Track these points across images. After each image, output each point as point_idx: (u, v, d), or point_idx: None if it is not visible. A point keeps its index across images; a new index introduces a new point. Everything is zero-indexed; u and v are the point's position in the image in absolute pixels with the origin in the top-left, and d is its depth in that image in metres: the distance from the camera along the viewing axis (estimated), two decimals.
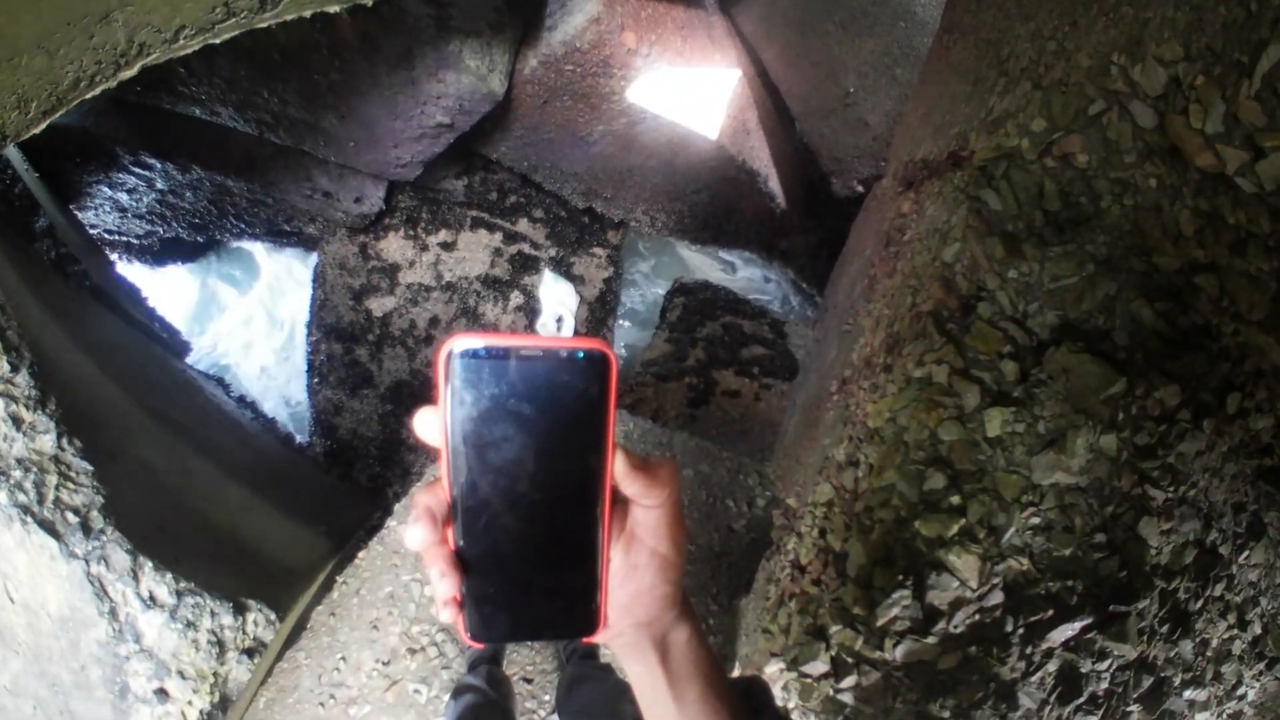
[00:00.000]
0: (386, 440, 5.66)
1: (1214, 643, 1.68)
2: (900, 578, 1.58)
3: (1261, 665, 1.72)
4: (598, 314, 5.81)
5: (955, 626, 1.56)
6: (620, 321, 6.21)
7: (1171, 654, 1.64)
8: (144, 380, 3.86)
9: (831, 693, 1.65)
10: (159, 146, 4.92)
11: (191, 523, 3.11)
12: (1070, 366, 1.49)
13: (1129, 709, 1.62)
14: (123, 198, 5.49)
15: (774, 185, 4.98)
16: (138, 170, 5.20)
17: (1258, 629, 1.71)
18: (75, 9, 2.02)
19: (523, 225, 5.77)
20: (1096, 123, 1.38)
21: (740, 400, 5.35)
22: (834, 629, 1.69)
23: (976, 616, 1.54)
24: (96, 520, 2.48)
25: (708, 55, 4.68)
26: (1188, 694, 1.67)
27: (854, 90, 4.80)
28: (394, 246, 5.74)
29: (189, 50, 2.38)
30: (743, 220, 5.33)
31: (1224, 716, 1.76)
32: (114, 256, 6.01)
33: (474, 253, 5.73)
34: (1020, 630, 1.54)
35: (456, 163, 5.52)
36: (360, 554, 3.19)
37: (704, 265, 6.31)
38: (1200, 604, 1.63)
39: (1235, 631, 1.69)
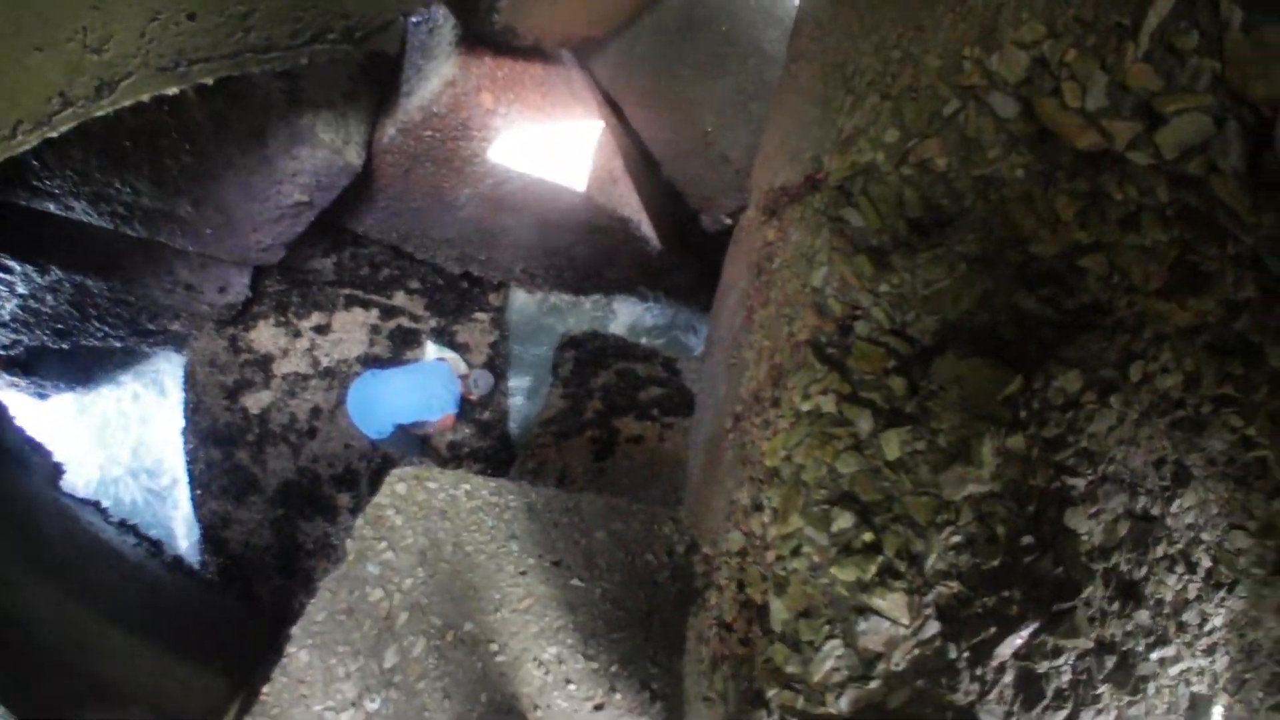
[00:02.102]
0: (283, 548, 5.25)
1: (1169, 598, 1.63)
2: (827, 627, 1.45)
3: (1222, 592, 1.68)
4: None
5: (896, 665, 1.44)
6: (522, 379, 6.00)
7: (1129, 627, 1.58)
8: (21, 519, 3.54)
9: None
10: (16, 247, 4.59)
11: (84, 686, 2.77)
12: (961, 373, 1.41)
13: (1098, 691, 1.56)
14: None
15: (647, 229, 4.96)
16: None
17: (1207, 563, 1.66)
18: None
19: (399, 298, 5.53)
20: (953, 122, 1.32)
21: (645, 444, 5.26)
22: (771, 692, 1.54)
23: (916, 651, 1.42)
24: None
25: (569, 109, 4.65)
26: (1155, 655, 1.62)
27: (712, 129, 4.87)
28: (265, 336, 5.40)
29: (27, 146, 2.30)
30: (621, 266, 5.29)
31: (1198, 653, 1.71)
32: None
33: (350, 333, 5.44)
34: (966, 654, 1.43)
35: (323, 240, 5.27)
36: (265, 689, 2.84)
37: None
38: (1145, 570, 1.58)
39: (1188, 578, 1.64)
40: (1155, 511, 1.51)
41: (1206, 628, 1.64)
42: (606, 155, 4.79)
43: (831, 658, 1.44)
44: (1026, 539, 1.41)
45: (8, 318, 5.21)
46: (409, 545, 3.08)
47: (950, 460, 1.40)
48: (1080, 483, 1.42)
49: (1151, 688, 1.63)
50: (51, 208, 4.12)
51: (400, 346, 5.45)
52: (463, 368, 5.35)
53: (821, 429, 1.49)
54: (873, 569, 1.40)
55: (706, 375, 3.03)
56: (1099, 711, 1.56)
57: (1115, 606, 1.50)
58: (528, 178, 4.54)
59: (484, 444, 5.51)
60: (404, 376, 4.74)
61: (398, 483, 3.27)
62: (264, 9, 2.60)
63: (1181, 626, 1.62)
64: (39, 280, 4.90)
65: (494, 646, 2.88)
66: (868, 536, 1.42)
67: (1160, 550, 1.53)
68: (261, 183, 4.24)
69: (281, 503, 5.26)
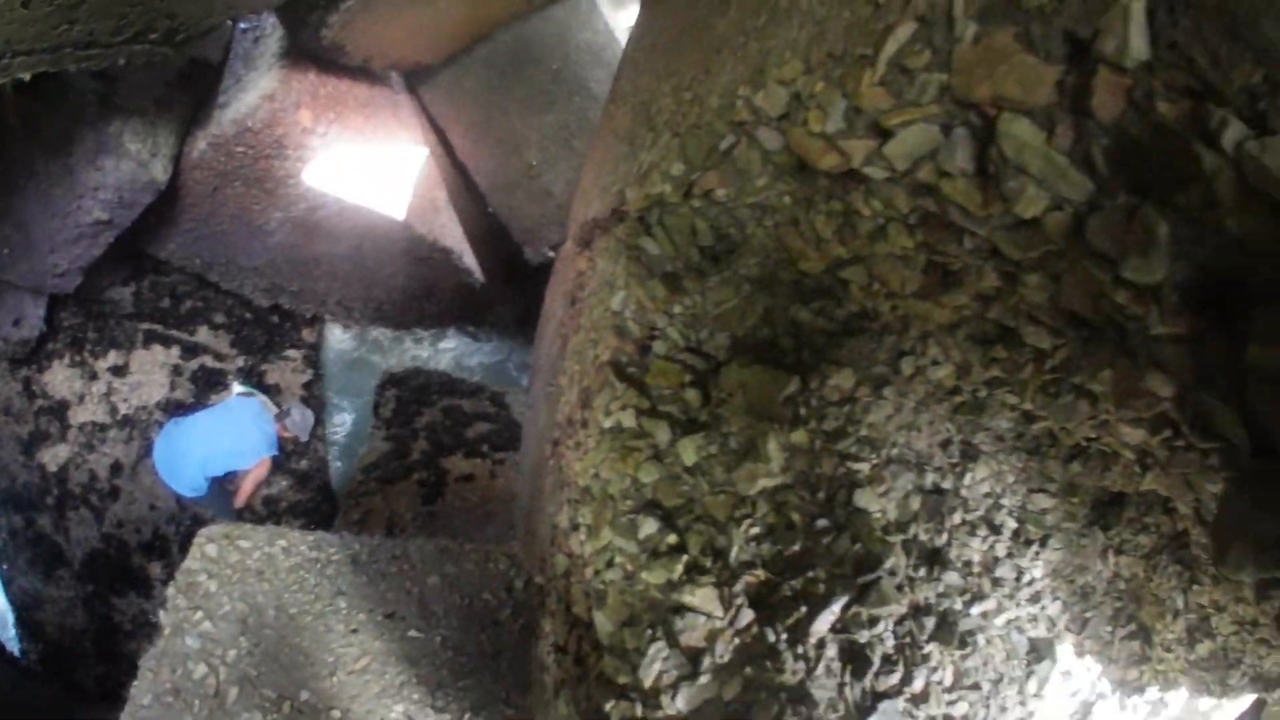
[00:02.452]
0: (100, 629, 4.80)
1: (976, 559, 1.83)
2: (649, 632, 1.54)
3: (1034, 548, 1.90)
4: None
5: (721, 657, 1.55)
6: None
7: (940, 589, 1.77)
8: None
9: None
10: None
11: None
12: (745, 380, 1.58)
13: (926, 651, 1.73)
14: None
15: (469, 260, 4.98)
16: None
17: (1013, 524, 1.89)
18: None
19: (203, 334, 5.19)
20: (728, 156, 1.48)
21: (476, 483, 5.19)
22: (609, 705, 1.61)
23: (737, 640, 1.54)
24: None
25: (392, 134, 4.62)
26: (975, 610, 1.81)
27: (537, 163, 5.02)
28: (60, 378, 4.94)
29: None
30: (443, 299, 5.26)
31: (1023, 603, 1.92)
32: None
33: (150, 374, 5.05)
34: (784, 635, 1.56)
35: (122, 266, 4.92)
36: None
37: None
38: (945, 537, 1.79)
39: (993, 539, 1.86)
40: (947, 485, 1.72)
41: (1025, 579, 1.87)
42: (430, 184, 4.78)
43: (658, 660, 1.53)
44: (822, 522, 1.58)
45: None
46: (227, 613, 2.87)
47: (741, 459, 1.56)
48: (865, 466, 1.62)
49: (981, 639, 1.83)
50: None
51: (204, 389, 5.10)
52: (273, 412, 5.08)
53: (623, 443, 1.60)
54: (679, 568, 1.51)
55: (530, 405, 3.10)
56: (933, 670, 1.74)
57: (922, 572, 1.69)
58: (344, 203, 4.44)
59: (303, 497, 5.25)
60: (210, 418, 4.36)
61: (207, 544, 3.06)
62: (92, 1, 2.57)
63: (996, 582, 1.83)
64: None
65: (336, 713, 2.74)
66: (672, 539, 1.54)
67: (958, 518, 1.75)
68: (63, 196, 3.96)
69: (90, 577, 4.80)
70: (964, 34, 1.05)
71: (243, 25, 4.31)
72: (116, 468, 4.89)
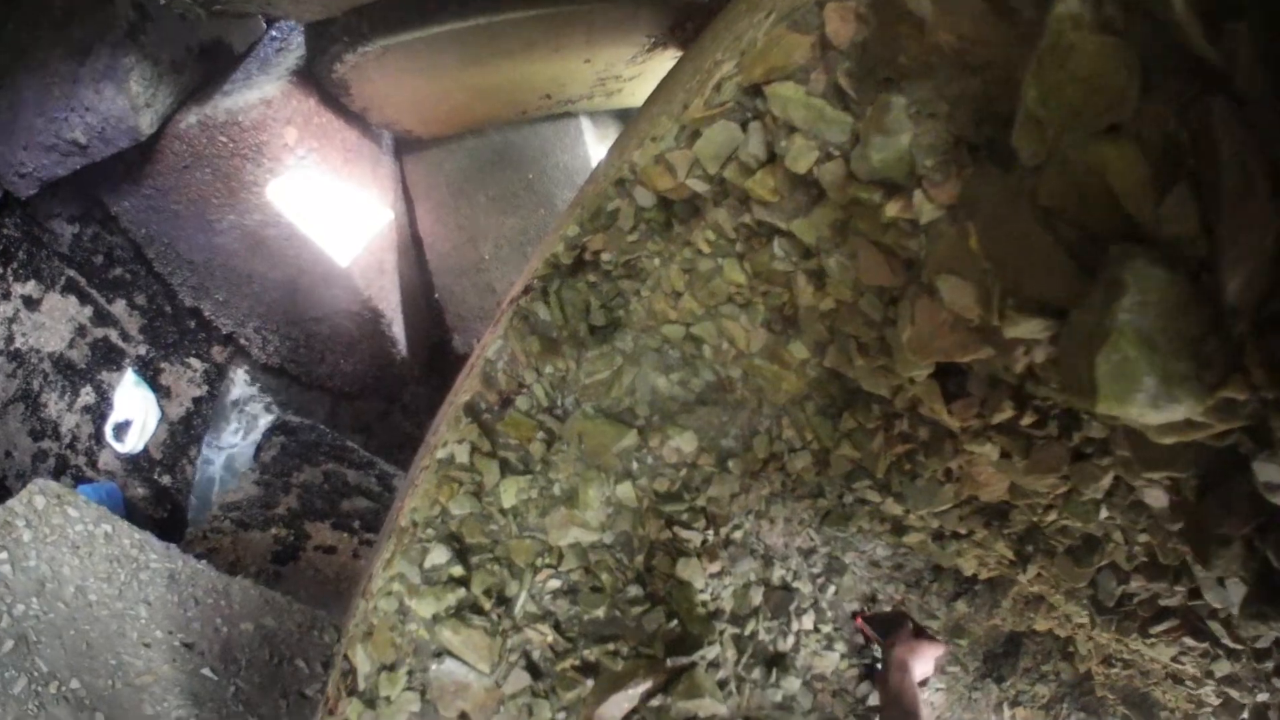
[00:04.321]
0: None
1: (831, 675, 1.64)
2: (406, 679, 1.34)
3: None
4: (179, 438, 5.00)
5: None
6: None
7: (778, 697, 1.55)
8: None
9: None
10: None
11: None
12: (586, 430, 1.48)
13: None
14: None
15: (397, 331, 4.95)
16: None
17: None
18: None
19: (119, 307, 4.95)
20: (612, 216, 1.48)
21: (336, 557, 4.83)
22: None
23: (501, 711, 1.33)
24: None
25: (365, 186, 4.65)
26: None
27: (489, 257, 5.13)
28: None
29: None
30: (360, 360, 5.15)
31: None
32: None
33: (56, 321, 4.81)
34: (560, 714, 1.35)
35: (75, 203, 4.79)
36: None
37: None
38: (793, 640, 1.60)
39: (858, 663, 1.69)
40: (800, 587, 1.56)
41: None
42: (383, 246, 4.77)
43: (405, 713, 1.32)
44: (634, 590, 1.41)
45: None
46: (30, 569, 2.71)
47: (558, 504, 1.42)
48: (696, 538, 1.46)
49: None
50: None
51: (99, 363, 4.84)
52: (156, 414, 4.80)
53: (447, 473, 1.47)
54: (451, 600, 1.33)
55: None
56: None
57: (757, 674, 1.50)
58: (295, 230, 4.39)
59: (153, 513, 4.92)
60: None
61: (37, 495, 2.93)
62: None
63: (859, 702, 1.65)
64: None
65: (100, 717, 2.54)
66: (457, 571, 1.37)
67: (810, 623, 1.58)
68: (59, 99, 3.93)
69: None
70: (758, 38, 1.13)
71: (273, 32, 4.44)
72: None
